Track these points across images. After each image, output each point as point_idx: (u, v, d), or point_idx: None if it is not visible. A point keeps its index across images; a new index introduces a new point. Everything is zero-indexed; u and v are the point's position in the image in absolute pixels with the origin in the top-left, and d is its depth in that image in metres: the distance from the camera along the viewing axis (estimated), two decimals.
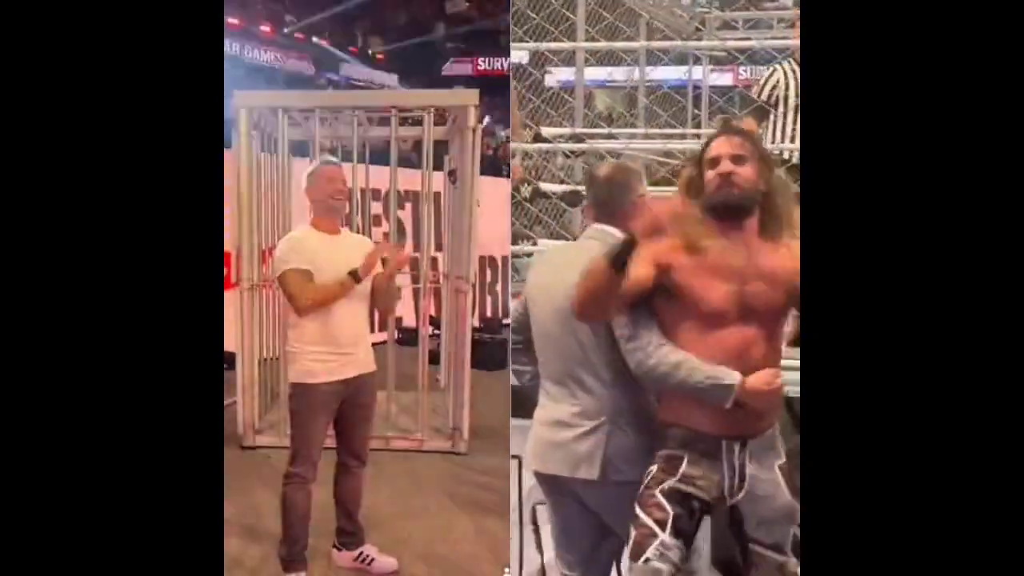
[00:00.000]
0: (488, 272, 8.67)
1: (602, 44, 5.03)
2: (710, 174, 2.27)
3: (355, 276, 3.15)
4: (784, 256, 2.23)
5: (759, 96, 4.33)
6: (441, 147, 5.87)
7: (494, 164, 9.42)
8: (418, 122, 5.21)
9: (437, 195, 6.31)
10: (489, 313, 8.74)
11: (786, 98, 4.27)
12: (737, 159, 2.26)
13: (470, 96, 5.01)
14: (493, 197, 6.10)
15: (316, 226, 3.27)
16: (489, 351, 6.55)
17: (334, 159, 3.57)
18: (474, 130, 4.89)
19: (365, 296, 3.29)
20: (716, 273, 2.22)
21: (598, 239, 2.42)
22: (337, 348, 3.19)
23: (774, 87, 4.30)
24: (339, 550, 3.49)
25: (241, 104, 4.94)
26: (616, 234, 2.37)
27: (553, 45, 4.57)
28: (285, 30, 19.39)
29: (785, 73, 4.28)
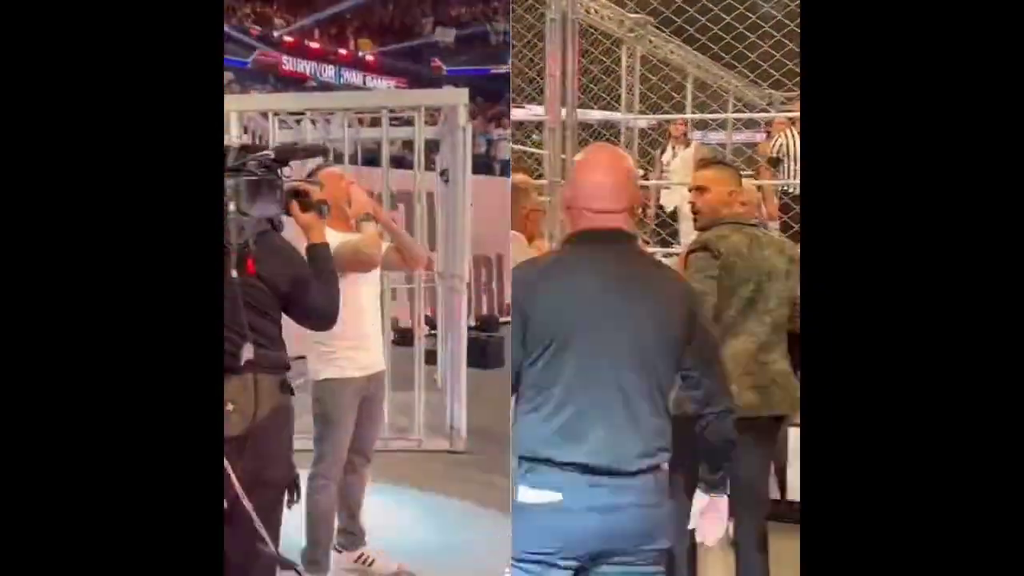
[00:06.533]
0: (483, 271, 8.70)
1: None
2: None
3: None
4: None
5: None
6: (433, 147, 5.87)
7: (486, 163, 9.43)
8: (408, 122, 5.21)
9: (430, 195, 6.30)
10: (485, 311, 8.78)
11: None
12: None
13: (460, 95, 5.01)
14: (487, 196, 6.09)
15: (334, 228, 3.28)
16: (486, 349, 6.57)
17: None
18: (465, 129, 4.88)
19: (377, 295, 3.40)
20: None
21: None
22: (361, 344, 3.30)
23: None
24: (339, 551, 3.49)
25: (231, 107, 4.94)
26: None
27: None
28: (276, 33, 19.29)
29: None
